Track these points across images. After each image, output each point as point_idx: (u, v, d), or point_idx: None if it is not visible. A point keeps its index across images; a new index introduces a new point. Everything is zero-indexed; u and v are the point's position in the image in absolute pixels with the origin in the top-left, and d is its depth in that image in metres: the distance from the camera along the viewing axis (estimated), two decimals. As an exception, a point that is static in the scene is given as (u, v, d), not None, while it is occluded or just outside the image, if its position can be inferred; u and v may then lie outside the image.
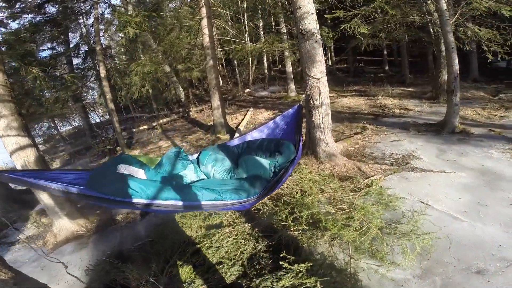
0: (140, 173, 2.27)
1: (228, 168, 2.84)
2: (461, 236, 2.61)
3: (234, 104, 11.71)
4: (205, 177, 2.81)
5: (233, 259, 2.63)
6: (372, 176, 3.66)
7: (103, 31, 9.52)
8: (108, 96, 8.14)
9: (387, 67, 14.43)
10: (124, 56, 12.52)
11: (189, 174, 2.71)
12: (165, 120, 11.38)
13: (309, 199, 2.90)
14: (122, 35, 8.79)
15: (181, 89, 12.27)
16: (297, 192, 3.25)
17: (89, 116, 13.08)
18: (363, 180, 3.53)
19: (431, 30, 7.45)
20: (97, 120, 15.21)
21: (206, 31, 6.97)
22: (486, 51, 5.66)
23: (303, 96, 3.68)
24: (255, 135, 3.54)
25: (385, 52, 14.38)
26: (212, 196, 2.14)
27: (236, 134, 7.45)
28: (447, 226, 2.72)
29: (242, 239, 2.81)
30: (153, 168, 2.64)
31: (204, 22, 6.93)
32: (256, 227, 2.93)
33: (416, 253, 2.39)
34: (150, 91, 12.59)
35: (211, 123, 8.23)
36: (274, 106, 10.23)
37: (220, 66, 15.97)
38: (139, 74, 7.24)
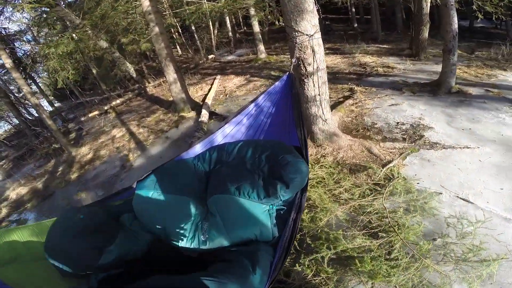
0: None
1: (191, 221, 1.55)
2: (521, 247, 1.96)
3: (197, 73, 10.35)
4: (152, 238, 1.60)
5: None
6: (389, 162, 2.85)
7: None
8: (26, 89, 6.28)
9: (355, 25, 13.75)
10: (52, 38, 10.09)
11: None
12: (118, 101, 9.74)
13: (323, 221, 2.00)
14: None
15: (128, 64, 10.38)
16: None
17: (22, 112, 10.76)
18: (381, 170, 2.71)
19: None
20: (36, 114, 12.82)
21: (144, -8, 5.28)
22: (477, 10, 5.69)
23: (292, 60, 2.56)
24: (228, 130, 2.19)
25: (353, 10, 13.83)
26: None
27: (204, 111, 6.18)
28: (502, 233, 2.03)
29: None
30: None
31: (140, -21, 5.22)
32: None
33: (480, 281, 1.70)
34: (94, 71, 10.54)
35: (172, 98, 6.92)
36: (244, 71, 9.05)
37: (176, 34, 14.02)
38: (54, 57, 5.46)
